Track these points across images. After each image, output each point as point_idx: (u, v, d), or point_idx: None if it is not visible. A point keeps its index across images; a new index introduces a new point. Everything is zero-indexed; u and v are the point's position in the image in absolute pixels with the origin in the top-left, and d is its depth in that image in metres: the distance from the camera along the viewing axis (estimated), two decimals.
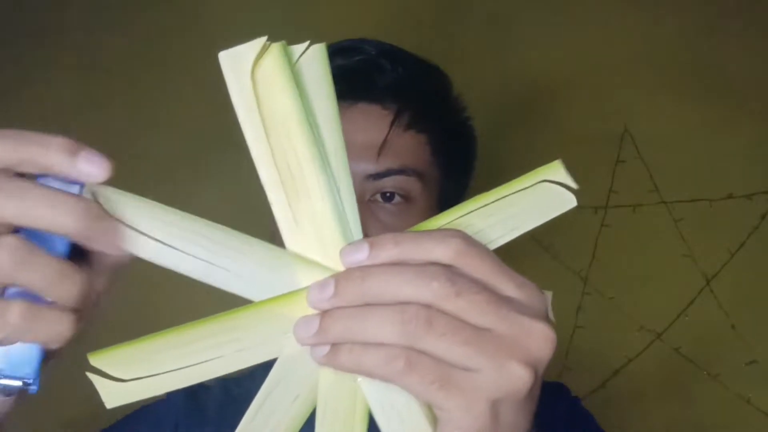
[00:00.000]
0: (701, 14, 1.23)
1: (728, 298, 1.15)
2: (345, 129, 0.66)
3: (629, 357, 1.15)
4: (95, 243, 0.32)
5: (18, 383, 0.30)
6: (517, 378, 0.32)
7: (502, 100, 1.21)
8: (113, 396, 0.32)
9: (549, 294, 0.37)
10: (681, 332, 1.15)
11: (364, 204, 0.64)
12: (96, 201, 0.33)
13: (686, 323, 1.16)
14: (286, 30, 1.33)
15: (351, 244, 0.34)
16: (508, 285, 0.34)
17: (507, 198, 0.36)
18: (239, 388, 0.71)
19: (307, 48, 0.36)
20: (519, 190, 0.36)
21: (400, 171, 0.65)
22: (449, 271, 0.32)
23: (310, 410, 0.35)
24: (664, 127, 1.20)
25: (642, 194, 1.19)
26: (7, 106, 1.30)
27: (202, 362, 0.33)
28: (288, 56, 0.35)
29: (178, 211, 0.34)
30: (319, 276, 0.34)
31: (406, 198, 0.65)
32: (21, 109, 1.30)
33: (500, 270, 0.34)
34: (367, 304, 0.32)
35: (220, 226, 0.35)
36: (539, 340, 0.33)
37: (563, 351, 1.15)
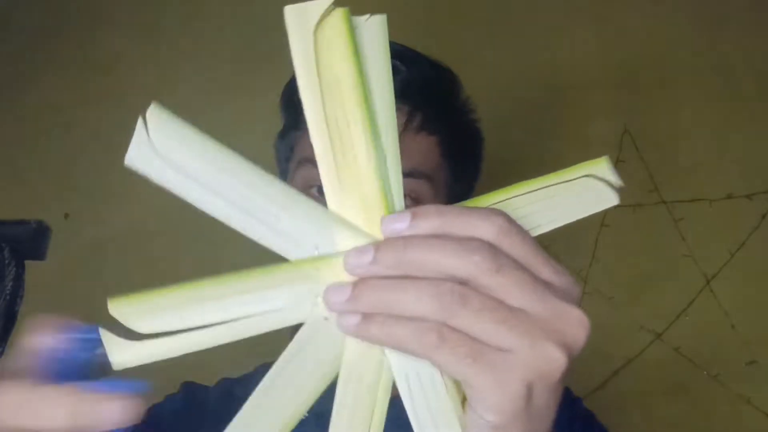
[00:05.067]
0: (702, 14, 1.23)
1: (728, 298, 1.15)
2: None
3: (629, 357, 1.15)
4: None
5: None
6: (553, 360, 0.32)
7: (502, 100, 1.21)
8: (123, 356, 0.30)
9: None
10: (681, 332, 1.15)
11: None
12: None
13: (686, 323, 1.16)
14: (285, 27, 1.32)
15: (393, 214, 0.33)
16: (546, 269, 0.33)
17: (551, 187, 0.36)
18: (240, 387, 0.71)
19: (368, 18, 0.35)
20: (564, 182, 0.36)
21: (410, 174, 0.64)
22: (492, 247, 0.31)
23: (332, 378, 0.33)
24: (664, 127, 1.20)
25: (642, 194, 1.19)
26: (7, 106, 1.30)
27: (228, 321, 0.31)
28: (350, 22, 0.34)
29: (230, 153, 0.33)
30: (359, 241, 0.32)
31: (415, 201, 0.65)
32: (21, 109, 1.30)
33: (540, 254, 0.33)
34: (405, 276, 0.31)
35: (268, 176, 0.34)
36: (575, 325, 0.33)
37: None
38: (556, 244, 1.16)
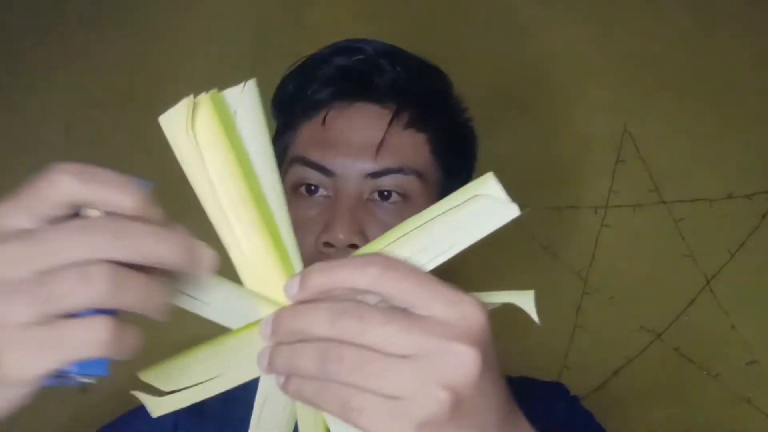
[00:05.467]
0: (701, 14, 1.23)
1: (728, 298, 1.15)
2: (344, 128, 0.66)
3: (629, 357, 1.15)
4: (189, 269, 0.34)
5: (92, 380, 0.34)
6: (435, 401, 0.33)
7: (502, 100, 1.21)
8: (158, 407, 0.38)
9: (530, 293, 0.37)
10: (681, 332, 1.15)
11: (363, 203, 0.64)
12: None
13: (686, 323, 1.16)
14: (284, 30, 1.32)
15: (289, 280, 0.37)
16: (435, 302, 0.35)
17: (445, 215, 0.37)
18: (241, 388, 0.71)
19: (243, 89, 0.38)
20: (452, 208, 0.37)
21: (399, 170, 0.65)
22: (357, 306, 0.34)
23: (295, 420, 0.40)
24: (664, 127, 1.20)
25: (642, 194, 1.19)
26: (7, 106, 1.30)
27: (214, 378, 0.38)
28: (221, 103, 0.37)
29: None
30: (272, 309, 0.37)
31: (405, 197, 0.65)
32: (21, 109, 1.30)
33: (427, 289, 0.35)
34: (300, 341, 0.35)
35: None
36: (456, 362, 0.34)
37: (563, 351, 1.15)
38: (556, 244, 1.16)
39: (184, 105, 0.37)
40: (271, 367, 0.36)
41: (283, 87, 0.71)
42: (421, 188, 0.66)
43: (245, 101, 0.38)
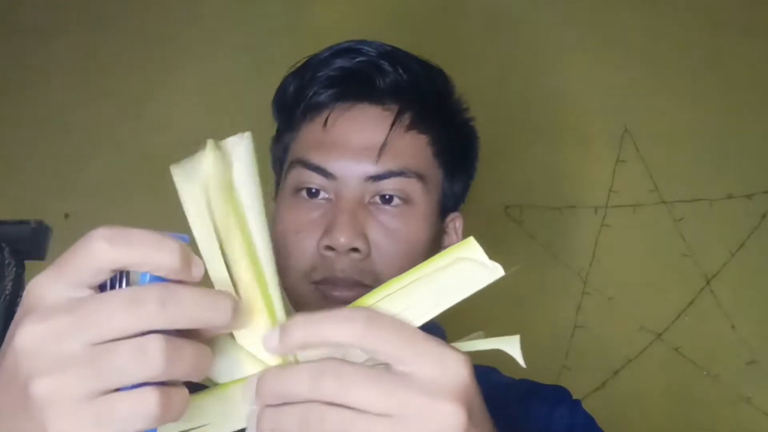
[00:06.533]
0: (702, 14, 1.23)
1: (728, 298, 1.15)
2: (345, 130, 0.66)
3: (629, 357, 1.15)
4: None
5: None
6: None
7: (501, 100, 1.21)
8: None
9: (516, 339, 0.38)
10: (681, 332, 1.15)
11: (364, 206, 0.63)
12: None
13: (686, 323, 1.16)
14: (284, 29, 1.32)
15: (268, 332, 0.37)
16: (413, 360, 0.34)
17: (429, 276, 0.37)
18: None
19: (240, 141, 0.38)
20: (439, 269, 0.38)
21: (401, 173, 0.64)
22: (338, 366, 0.34)
23: None
24: (664, 127, 1.21)
25: (642, 194, 1.19)
26: (7, 106, 1.30)
27: (202, 426, 0.38)
28: (222, 154, 0.37)
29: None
30: (257, 366, 0.38)
31: (406, 200, 0.64)
32: (21, 109, 1.30)
33: (405, 345, 0.35)
34: (285, 403, 0.36)
35: None
36: (440, 422, 0.34)
37: (563, 351, 1.15)
38: (556, 244, 1.16)
39: (200, 158, 0.36)
40: (260, 426, 0.36)
41: (284, 88, 0.70)
42: (422, 190, 0.65)
43: (241, 152, 0.37)
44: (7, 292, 0.70)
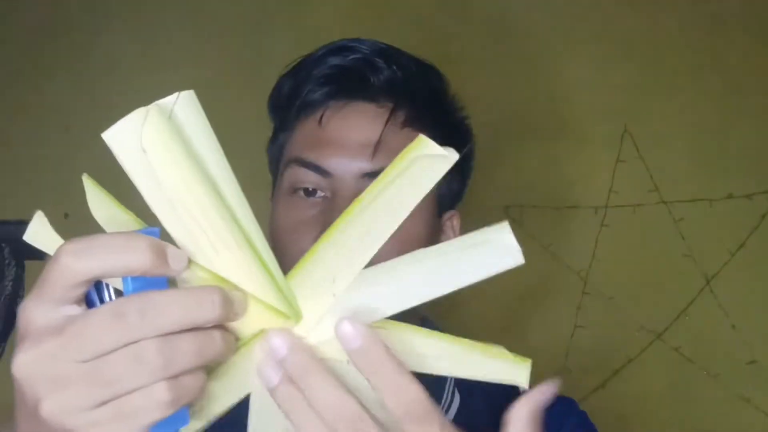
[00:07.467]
0: (701, 14, 1.23)
1: (728, 298, 1.15)
2: (340, 127, 0.66)
3: (629, 357, 1.15)
4: None
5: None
6: None
7: (501, 99, 1.21)
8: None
9: (527, 363, 0.39)
10: (681, 332, 1.15)
11: None
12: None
13: (686, 323, 1.16)
14: (283, 28, 1.32)
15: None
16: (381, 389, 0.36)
17: (385, 190, 0.38)
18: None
19: (177, 100, 0.36)
20: (396, 176, 0.38)
21: None
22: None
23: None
24: (664, 127, 1.21)
25: (642, 194, 1.19)
26: (8, 106, 1.30)
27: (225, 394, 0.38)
28: (164, 114, 0.35)
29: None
30: (266, 315, 0.37)
31: None
32: (21, 109, 1.30)
33: (392, 380, 0.36)
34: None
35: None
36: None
37: (563, 351, 1.15)
38: (556, 244, 1.16)
39: (132, 118, 0.34)
40: (275, 393, 0.37)
41: (279, 87, 0.71)
42: None
43: (187, 109, 0.35)
44: (7, 292, 0.70)
